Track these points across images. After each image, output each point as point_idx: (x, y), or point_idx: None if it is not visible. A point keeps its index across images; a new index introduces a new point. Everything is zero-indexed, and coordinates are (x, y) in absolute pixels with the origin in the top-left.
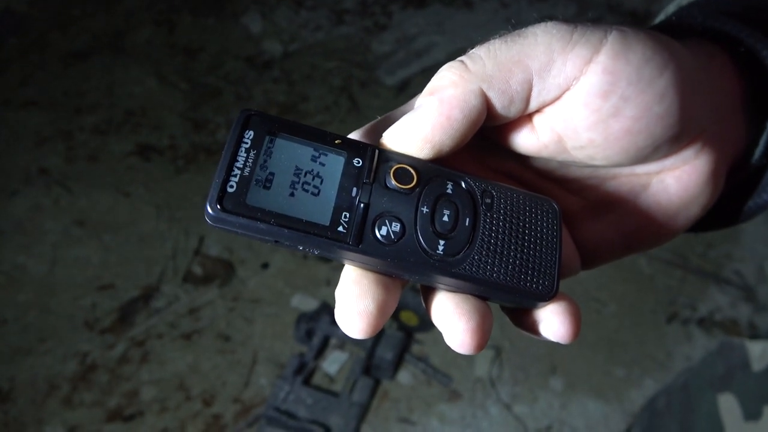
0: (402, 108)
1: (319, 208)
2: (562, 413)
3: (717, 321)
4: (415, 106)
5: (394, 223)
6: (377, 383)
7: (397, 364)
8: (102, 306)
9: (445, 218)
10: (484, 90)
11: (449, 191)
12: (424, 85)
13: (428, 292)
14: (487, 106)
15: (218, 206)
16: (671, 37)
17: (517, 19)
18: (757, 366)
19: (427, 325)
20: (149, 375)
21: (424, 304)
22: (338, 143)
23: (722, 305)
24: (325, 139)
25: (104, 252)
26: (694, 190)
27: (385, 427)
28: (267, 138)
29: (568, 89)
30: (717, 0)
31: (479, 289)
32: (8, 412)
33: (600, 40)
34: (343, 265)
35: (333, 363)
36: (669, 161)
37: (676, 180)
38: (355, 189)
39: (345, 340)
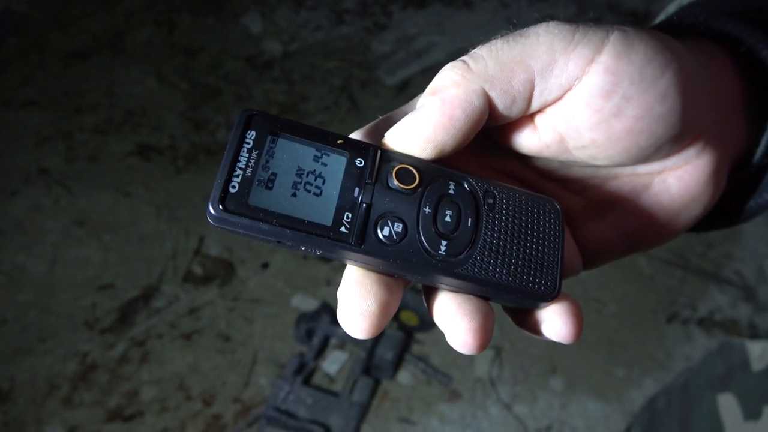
0: (403, 108)
1: (322, 209)
2: (562, 413)
3: (717, 321)
4: (417, 106)
5: (396, 224)
6: (377, 383)
7: (397, 364)
8: (102, 306)
9: (448, 218)
10: (486, 90)
11: (451, 191)
12: (424, 85)
13: (430, 293)
14: (489, 106)
15: (220, 207)
16: (672, 37)
17: (517, 20)
18: (756, 366)
19: (427, 325)
20: (149, 375)
21: (425, 305)
22: (340, 143)
23: (722, 305)
24: (327, 139)
25: (104, 252)
26: (696, 189)
27: (385, 427)
28: (269, 138)
29: (570, 89)
30: (717, 0)
31: (481, 289)
32: (8, 412)
33: (602, 39)
34: (345, 266)
35: (333, 363)
36: (670, 161)
37: (678, 180)
38: (357, 189)
39: (345, 340)
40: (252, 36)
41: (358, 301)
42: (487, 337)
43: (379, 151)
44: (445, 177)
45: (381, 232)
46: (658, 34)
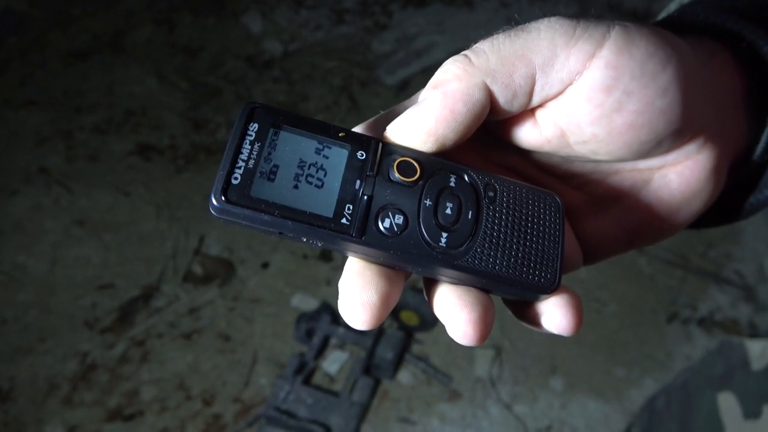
0: (405, 103)
1: (323, 200)
2: (562, 413)
3: (717, 321)
4: (419, 100)
5: (397, 216)
6: (377, 383)
7: (398, 363)
8: (102, 306)
9: (448, 211)
10: (488, 84)
11: (452, 184)
12: (425, 85)
13: (431, 285)
14: (491, 100)
15: (223, 198)
16: (673, 34)
17: (517, 19)
18: (756, 365)
19: (427, 324)
20: (149, 375)
21: (426, 297)
22: (342, 136)
23: (722, 305)
24: (329, 132)
25: (104, 251)
26: (696, 185)
27: (385, 426)
28: (271, 130)
29: (571, 84)
30: None
31: (481, 281)
32: (8, 412)
33: (603, 35)
34: (346, 261)
35: (333, 363)
36: (671, 156)
37: (678, 175)
38: (358, 182)
39: (345, 340)
40: (252, 35)
41: (359, 293)
42: (487, 328)
43: (380, 144)
44: (446, 170)
45: (382, 223)
46: (659, 30)
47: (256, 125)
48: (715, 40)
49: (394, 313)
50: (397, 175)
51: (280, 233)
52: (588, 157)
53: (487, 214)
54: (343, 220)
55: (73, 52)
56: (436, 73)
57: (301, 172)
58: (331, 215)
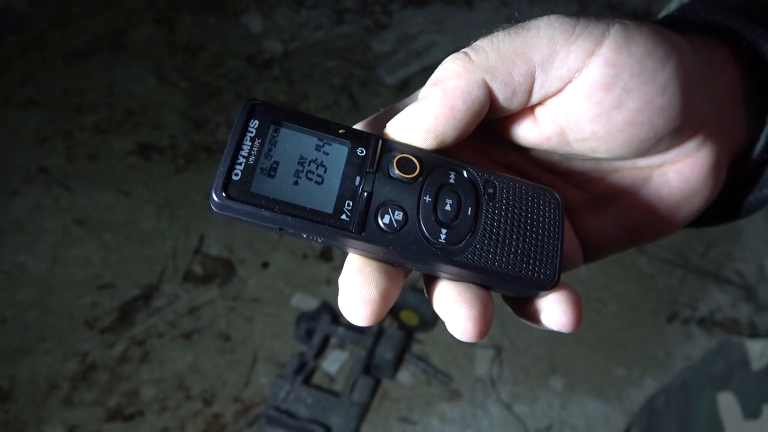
0: (405, 100)
1: (323, 197)
2: (562, 413)
3: (717, 321)
4: (419, 97)
5: (396, 212)
6: (377, 383)
7: (398, 363)
8: (102, 305)
9: (448, 207)
10: (488, 81)
11: (452, 181)
12: (424, 85)
13: (431, 282)
14: (490, 97)
15: (223, 194)
16: (673, 32)
17: (517, 18)
18: (756, 365)
19: (427, 324)
20: (149, 374)
21: (426, 294)
22: (342, 133)
23: (723, 305)
24: (329, 128)
25: (104, 251)
26: (696, 183)
27: (385, 426)
28: (272, 127)
29: (570, 81)
30: None
31: (481, 277)
32: (8, 411)
33: (602, 32)
34: (346, 260)
35: (333, 362)
36: (671, 154)
37: (678, 173)
38: (358, 178)
39: (345, 340)
40: (252, 35)
41: (359, 289)
42: (486, 325)
43: (380, 141)
44: (445, 166)
45: (381, 220)
46: (659, 28)
47: (256, 122)
48: (715, 39)
49: (394, 313)
50: (396, 171)
51: (281, 229)
52: (587, 155)
53: (487, 210)
54: (343, 216)
55: (73, 51)
56: (436, 71)
57: (301, 168)
58: (331, 211)
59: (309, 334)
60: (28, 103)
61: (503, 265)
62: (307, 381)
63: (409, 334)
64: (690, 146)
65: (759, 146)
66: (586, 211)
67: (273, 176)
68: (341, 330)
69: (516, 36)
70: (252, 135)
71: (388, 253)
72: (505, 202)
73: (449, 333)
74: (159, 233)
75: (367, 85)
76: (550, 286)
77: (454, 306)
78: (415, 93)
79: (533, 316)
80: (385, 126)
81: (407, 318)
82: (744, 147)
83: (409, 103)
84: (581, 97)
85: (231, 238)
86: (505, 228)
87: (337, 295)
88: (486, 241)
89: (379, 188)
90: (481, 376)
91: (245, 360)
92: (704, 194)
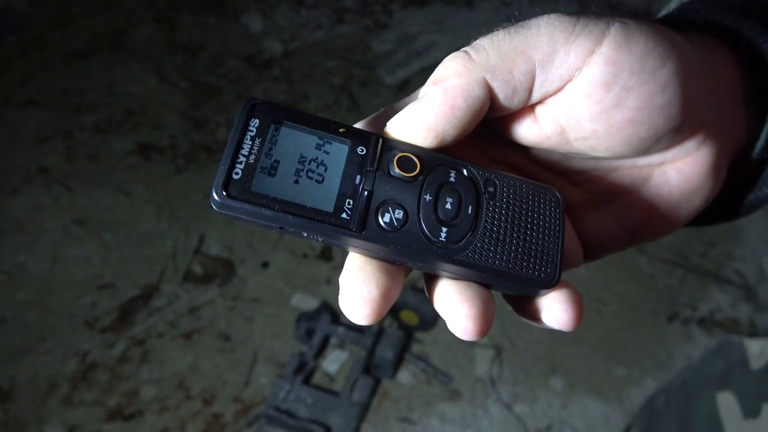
0: (405, 99)
1: (323, 195)
2: (562, 413)
3: (717, 320)
4: (419, 96)
5: (397, 211)
6: (377, 382)
7: (398, 363)
8: (102, 305)
9: (448, 206)
10: (488, 80)
11: (452, 179)
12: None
13: (431, 280)
14: (490, 96)
15: (224, 193)
16: (673, 31)
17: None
18: (755, 364)
19: (427, 324)
20: (149, 374)
21: (427, 292)
22: (342, 132)
23: (723, 305)
24: (330, 127)
25: (104, 251)
26: (696, 182)
27: (385, 426)
28: (272, 126)
29: (570, 80)
30: None
31: (481, 276)
32: (8, 411)
33: (602, 31)
34: (346, 259)
35: (333, 362)
36: (671, 153)
37: (678, 172)
38: (358, 177)
39: (345, 340)
40: (252, 35)
41: (360, 288)
42: (487, 323)
43: (380, 140)
44: (446, 165)
45: (382, 218)
46: (659, 27)
47: (257, 121)
48: (714, 38)
49: (394, 313)
50: (397, 170)
51: (281, 228)
52: (588, 154)
53: (487, 209)
54: (344, 215)
55: (73, 51)
56: (436, 70)
57: (301, 167)
58: (331, 210)
59: (309, 333)
60: (28, 103)
61: (504, 264)
62: (307, 381)
63: (409, 333)
64: (690, 145)
65: (759, 145)
66: (586, 209)
67: (273, 175)
68: (341, 330)
69: (516, 35)
70: (252, 134)
71: (388, 251)
72: (505, 200)
73: (449, 333)
74: (159, 233)
75: (367, 85)
76: (550, 284)
77: (455, 304)
78: (415, 92)
79: (534, 315)
80: (385, 125)
81: (407, 318)
82: (744, 146)
83: (410, 103)
84: (581, 95)
85: (231, 238)
86: (506, 226)
87: (337, 294)
88: (486, 240)
89: (380, 187)
90: (481, 376)
91: (245, 360)
92: (704, 193)
